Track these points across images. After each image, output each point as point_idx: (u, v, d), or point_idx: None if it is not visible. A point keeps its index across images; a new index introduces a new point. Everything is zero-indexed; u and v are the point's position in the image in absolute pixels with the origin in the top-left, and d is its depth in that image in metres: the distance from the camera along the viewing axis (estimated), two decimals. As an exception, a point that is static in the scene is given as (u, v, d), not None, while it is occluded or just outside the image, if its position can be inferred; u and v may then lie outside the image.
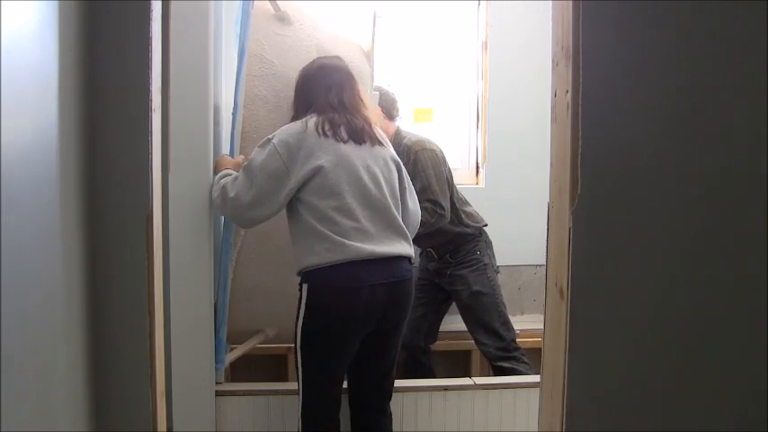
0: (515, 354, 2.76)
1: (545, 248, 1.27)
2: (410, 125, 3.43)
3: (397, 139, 2.74)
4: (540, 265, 3.38)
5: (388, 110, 2.78)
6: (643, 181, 1.15)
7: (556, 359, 1.20)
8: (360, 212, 1.92)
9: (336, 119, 1.99)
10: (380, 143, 2.06)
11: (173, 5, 1.66)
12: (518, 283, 3.50)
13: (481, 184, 3.54)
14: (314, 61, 2.15)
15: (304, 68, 2.14)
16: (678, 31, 1.14)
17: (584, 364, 1.16)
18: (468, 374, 3.12)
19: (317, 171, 1.91)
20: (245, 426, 2.30)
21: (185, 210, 2.07)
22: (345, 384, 2.09)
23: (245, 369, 2.89)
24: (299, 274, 1.95)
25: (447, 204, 2.69)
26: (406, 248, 2.02)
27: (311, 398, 1.97)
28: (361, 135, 2.00)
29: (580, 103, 1.12)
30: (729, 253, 1.16)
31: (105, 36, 1.18)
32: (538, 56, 2.71)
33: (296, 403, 2.02)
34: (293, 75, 2.19)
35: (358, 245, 1.89)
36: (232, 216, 2.08)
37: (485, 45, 3.53)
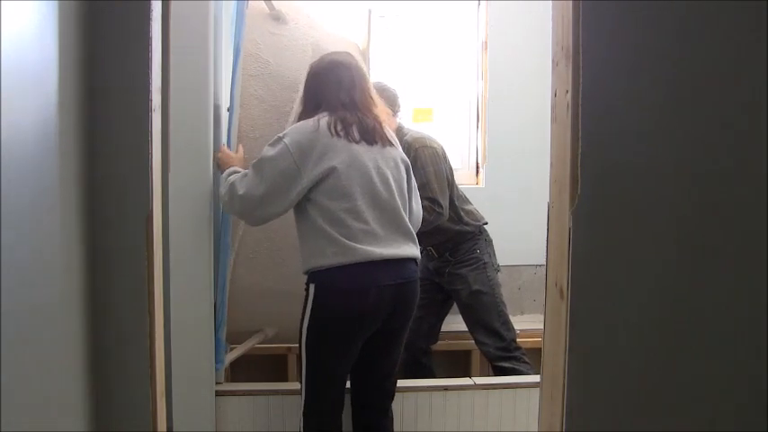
0: (516, 353, 2.75)
1: (545, 248, 1.27)
2: (410, 125, 3.43)
3: (399, 136, 2.74)
4: (540, 265, 3.38)
5: (390, 106, 2.78)
6: (643, 181, 1.15)
7: (556, 359, 1.20)
8: (369, 214, 1.92)
9: (348, 118, 1.97)
10: (391, 144, 2.05)
11: (173, 5, 1.66)
12: (518, 283, 3.50)
13: (481, 184, 3.54)
14: (324, 57, 2.11)
15: (313, 64, 2.10)
16: (678, 31, 1.14)
17: (584, 364, 1.16)
18: (468, 374, 3.12)
19: (331, 172, 1.90)
20: (245, 426, 2.30)
21: (185, 209, 2.07)
22: (347, 385, 2.08)
23: (244, 369, 2.89)
24: (307, 273, 1.94)
25: (445, 203, 2.69)
26: (413, 250, 2.02)
27: (313, 397, 1.97)
28: (372, 135, 1.99)
29: (580, 103, 1.12)
30: (729, 252, 1.16)
31: (105, 36, 1.18)
32: (538, 56, 2.72)
33: (296, 403, 2.02)
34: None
35: (367, 248, 1.89)
36: (240, 213, 2.05)
37: (485, 45, 3.54)
